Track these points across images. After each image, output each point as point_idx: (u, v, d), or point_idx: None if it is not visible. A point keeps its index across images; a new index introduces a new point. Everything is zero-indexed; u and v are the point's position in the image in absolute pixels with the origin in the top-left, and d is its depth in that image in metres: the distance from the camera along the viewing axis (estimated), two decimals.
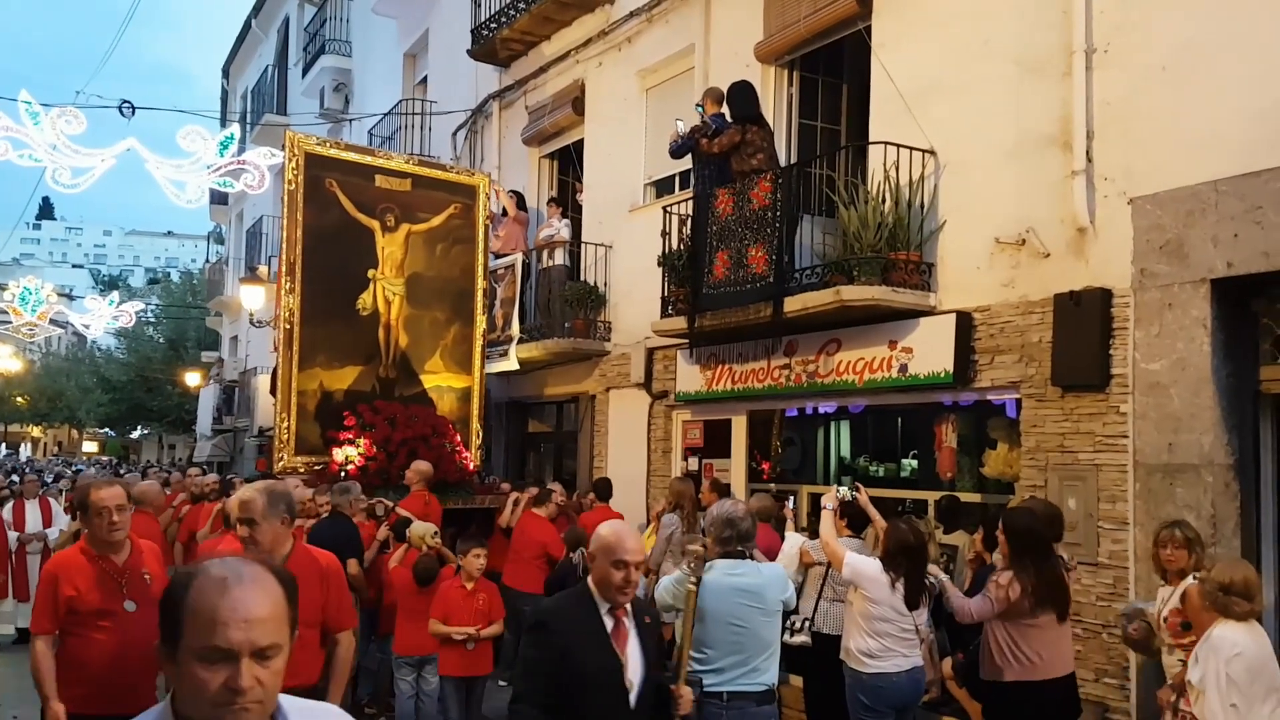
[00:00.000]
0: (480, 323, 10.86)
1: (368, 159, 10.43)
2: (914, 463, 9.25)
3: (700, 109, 9.08)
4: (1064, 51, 6.81)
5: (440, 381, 10.63)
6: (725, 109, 8.94)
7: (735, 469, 9.62)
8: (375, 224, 10.26)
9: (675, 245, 9.27)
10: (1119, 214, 6.46)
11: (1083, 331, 6.53)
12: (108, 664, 4.26)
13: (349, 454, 9.42)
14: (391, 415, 9.71)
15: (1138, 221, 6.35)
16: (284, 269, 9.63)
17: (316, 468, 9.52)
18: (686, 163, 10.23)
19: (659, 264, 9.39)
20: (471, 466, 10.26)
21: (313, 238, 9.79)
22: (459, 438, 10.21)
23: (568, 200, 12.78)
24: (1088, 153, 6.63)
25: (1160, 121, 6.30)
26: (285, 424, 9.69)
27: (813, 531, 7.67)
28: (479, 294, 10.86)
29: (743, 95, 8.82)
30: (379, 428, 9.59)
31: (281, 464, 9.59)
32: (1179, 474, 6.04)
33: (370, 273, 10.21)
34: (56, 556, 4.78)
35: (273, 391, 10.55)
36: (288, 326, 9.66)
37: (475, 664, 6.75)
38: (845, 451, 10.55)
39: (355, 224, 10.10)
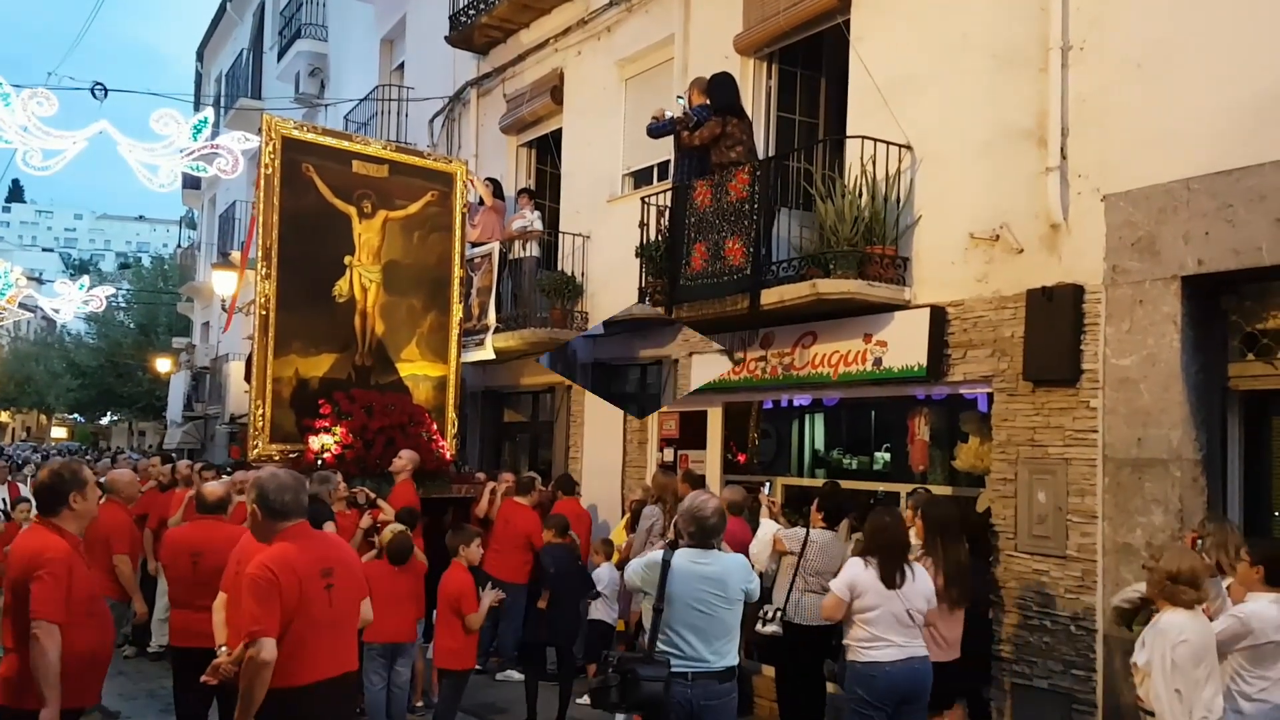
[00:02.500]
0: (456, 311, 10.74)
1: (345, 144, 10.27)
2: (887, 455, 9.31)
3: (683, 100, 9.07)
4: (1040, 46, 6.85)
5: (416, 370, 10.53)
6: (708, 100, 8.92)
7: (710, 461, 9.65)
8: (352, 210, 10.11)
9: (653, 236, 9.27)
10: (1092, 210, 6.52)
11: (1054, 327, 6.58)
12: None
13: (325, 442, 9.30)
14: (369, 403, 9.63)
15: (1110, 218, 6.42)
16: (260, 254, 9.48)
17: (292, 455, 9.36)
18: (665, 153, 10.24)
19: (636, 255, 9.38)
20: (448, 455, 10.20)
21: (289, 223, 9.65)
22: (435, 426, 10.15)
23: (546, 189, 12.75)
24: (1062, 149, 6.69)
25: (1134, 118, 6.35)
26: (260, 411, 9.53)
27: (789, 521, 7.73)
28: (455, 282, 10.75)
29: (724, 87, 8.82)
30: (356, 416, 9.50)
31: (256, 451, 9.46)
32: (1148, 468, 6.12)
33: (347, 259, 10.07)
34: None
35: (247, 378, 10.43)
36: (264, 312, 9.51)
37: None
38: (820, 444, 10.62)
39: (332, 210, 9.98)
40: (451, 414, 10.69)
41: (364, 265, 10.17)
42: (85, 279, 32.30)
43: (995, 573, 6.91)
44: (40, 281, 50.14)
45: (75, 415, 53.24)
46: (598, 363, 12.94)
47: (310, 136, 10.02)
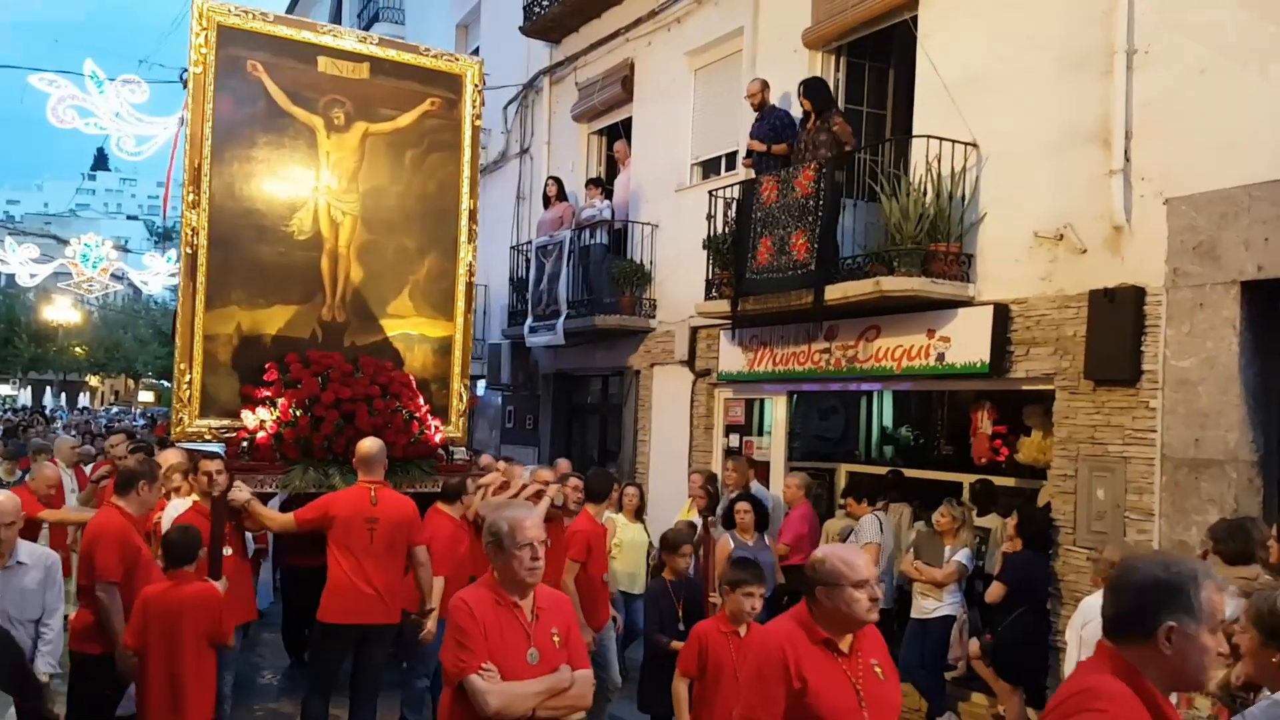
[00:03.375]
0: (466, 254, 8.63)
1: (307, 35, 8.08)
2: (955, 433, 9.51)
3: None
4: (1106, 50, 6.93)
5: (409, 328, 8.41)
6: (802, 101, 9.05)
7: (775, 449, 9.91)
8: (318, 121, 8.04)
9: (720, 229, 9.50)
10: (1154, 213, 6.61)
11: (1116, 327, 6.71)
12: None
13: (262, 418, 7.40)
14: (326, 368, 7.63)
15: (1172, 222, 6.51)
16: (187, 176, 7.62)
17: (226, 435, 7.52)
18: (733, 144, 10.49)
19: (704, 247, 9.63)
20: (439, 438, 8.03)
21: (228, 137, 7.70)
22: (422, 400, 8.01)
23: (613, 178, 13.04)
24: (1126, 152, 6.78)
25: (1196, 124, 6.42)
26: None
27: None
28: (464, 217, 8.61)
29: (822, 89, 9.04)
30: (306, 384, 7.46)
31: (180, 428, 7.56)
32: (1204, 469, 6.25)
33: (314, 186, 8.06)
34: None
35: (171, 336, 8.65)
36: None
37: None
38: (888, 421, 10.85)
39: (289, 121, 7.94)
40: (459, 385, 8.62)
41: (334, 193, 8.11)
42: (172, 253, 33.43)
43: (1055, 566, 7.10)
44: (126, 250, 51.91)
45: (162, 380, 55.07)
46: (559, 373, 13.28)
47: (257, 24, 7.84)
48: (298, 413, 7.32)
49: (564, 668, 3.55)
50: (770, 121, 9.32)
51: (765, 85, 9.49)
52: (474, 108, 8.67)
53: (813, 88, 8.98)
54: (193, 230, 7.62)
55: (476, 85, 8.70)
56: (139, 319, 51.95)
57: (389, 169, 8.33)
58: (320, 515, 6.15)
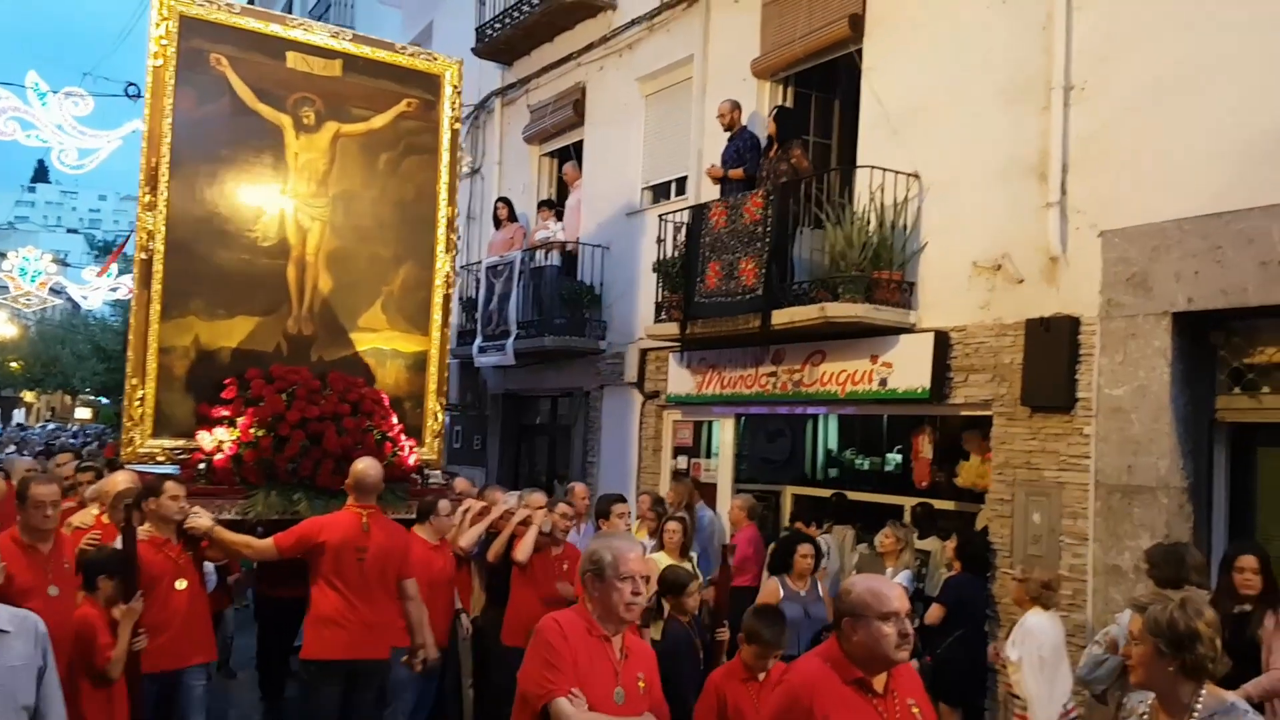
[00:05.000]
0: (443, 264, 8.13)
1: (276, 29, 7.58)
2: (899, 457, 9.67)
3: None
4: (1044, 85, 7.14)
5: (381, 343, 7.87)
6: (770, 126, 9.22)
7: (722, 470, 10.00)
8: (286, 120, 7.53)
9: (670, 252, 9.60)
10: (1089, 246, 6.81)
11: (1051, 355, 6.90)
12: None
13: (220, 438, 6.81)
14: (291, 385, 7.05)
15: (1106, 254, 6.71)
16: (144, 177, 7.07)
17: (180, 456, 6.94)
18: (683, 169, 10.60)
19: (654, 270, 9.73)
20: (413, 460, 7.47)
21: (189, 134, 7.18)
22: (395, 419, 7.46)
23: (563, 200, 13.11)
24: (1062, 185, 6.99)
25: (1130, 159, 6.64)
26: (139, 393, 6.99)
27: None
28: (442, 224, 8.11)
29: (791, 117, 9.21)
30: (269, 401, 6.90)
31: (132, 448, 6.95)
32: (1137, 495, 6.43)
33: (280, 189, 7.52)
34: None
35: (124, 349, 8.06)
36: (144, 256, 7.05)
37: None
38: (834, 444, 11.00)
39: (255, 119, 7.43)
40: (433, 404, 8.09)
41: (303, 197, 7.58)
42: (114, 267, 32.86)
43: (993, 589, 7.24)
44: (65, 264, 50.91)
45: (99, 397, 54.00)
46: (508, 393, 13.31)
47: (222, 15, 7.34)
48: (259, 433, 6.74)
49: (648, 715, 3.38)
50: (736, 145, 9.44)
51: (736, 106, 9.58)
52: (453, 110, 8.23)
53: (784, 116, 9.13)
54: (148, 234, 7.06)
55: (455, 86, 8.25)
56: (77, 334, 50.90)
57: (362, 173, 7.82)
58: (307, 541, 5.61)
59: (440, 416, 8.16)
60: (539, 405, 13.67)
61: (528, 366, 12.37)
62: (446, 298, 8.18)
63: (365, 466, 5.84)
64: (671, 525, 7.05)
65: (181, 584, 5.44)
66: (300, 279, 7.57)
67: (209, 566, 6.21)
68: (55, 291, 31.49)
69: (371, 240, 7.84)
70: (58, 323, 58.29)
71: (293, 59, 7.57)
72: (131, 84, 17.20)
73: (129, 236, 7.53)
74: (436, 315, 8.08)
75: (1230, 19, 6.16)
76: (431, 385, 8.04)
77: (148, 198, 7.04)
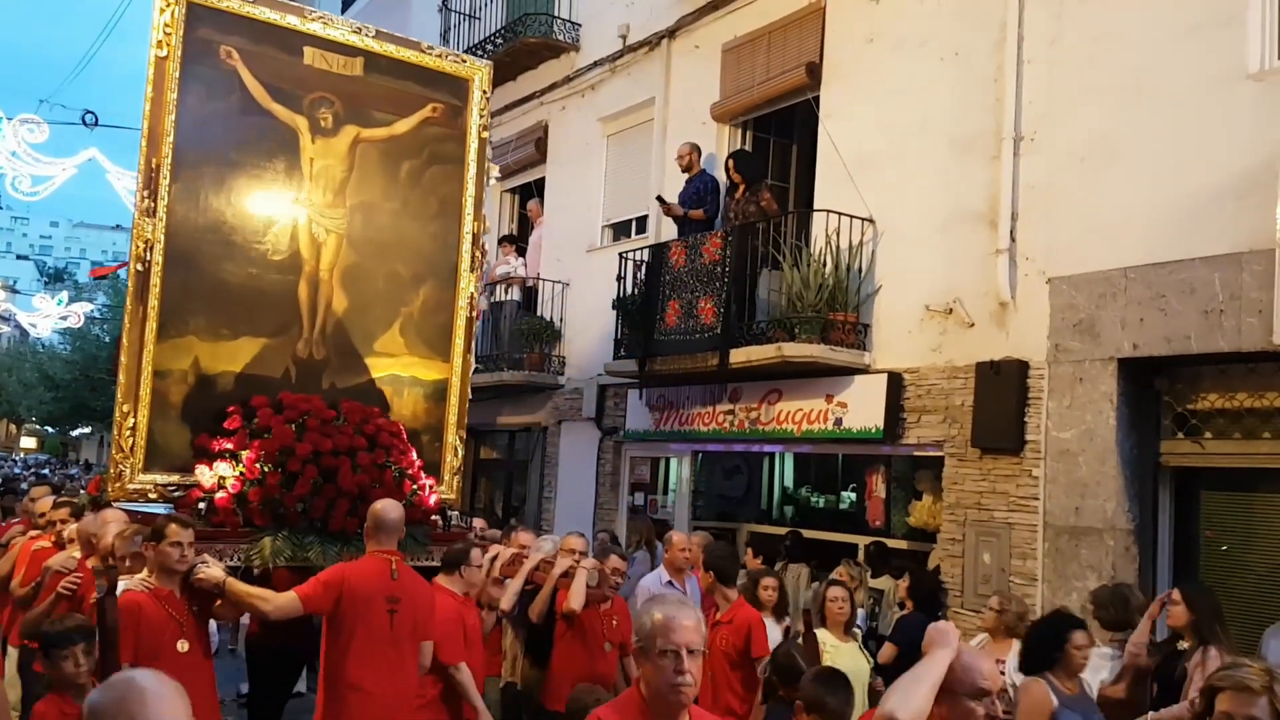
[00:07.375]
0: (467, 284, 7.37)
1: (293, 21, 6.76)
2: (853, 495, 9.77)
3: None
4: (994, 136, 7.36)
5: (399, 369, 7.11)
6: (732, 174, 9.33)
7: (679, 507, 10.05)
8: (301, 121, 6.78)
9: (630, 290, 9.70)
10: (1038, 292, 7.00)
11: (1001, 398, 7.06)
12: None
13: (222, 474, 5.99)
14: (302, 415, 6.25)
15: (1054, 300, 6.90)
16: (141, 180, 6.25)
17: (176, 494, 6.12)
18: (644, 208, 10.72)
19: (613, 307, 9.81)
20: (434, 500, 6.61)
21: (195, 134, 6.39)
22: (415, 455, 6.63)
23: (527, 236, 13.19)
24: (1012, 232, 7.18)
25: (1078, 208, 6.85)
26: (130, 422, 6.13)
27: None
28: (466, 241, 7.35)
29: (751, 160, 9.38)
30: (277, 433, 6.09)
31: (120, 484, 6.10)
32: (1084, 536, 6.57)
33: (294, 197, 6.73)
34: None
35: (112, 371, 7.35)
36: (141, 267, 6.19)
37: None
38: (789, 482, 11.08)
39: (268, 120, 6.67)
40: (453, 438, 7.30)
41: (318, 207, 6.81)
42: (64, 294, 32.42)
43: None
44: (15, 291, 50.09)
45: (45, 427, 52.97)
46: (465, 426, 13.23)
47: (234, 4, 6.53)
48: (266, 468, 5.94)
49: None
50: (695, 186, 9.58)
51: (695, 148, 9.74)
52: (481, 117, 7.45)
53: (743, 160, 9.30)
54: (146, 243, 6.22)
55: (485, 91, 7.50)
56: (25, 362, 49.98)
57: (382, 182, 7.05)
58: (334, 593, 4.80)
59: (460, 451, 7.39)
60: (496, 439, 13.66)
61: (485, 401, 12.36)
62: (469, 321, 7.40)
63: (385, 506, 5.16)
64: (768, 581, 6.25)
65: (183, 646, 4.59)
66: (313, 298, 6.79)
67: (212, 625, 5.56)
68: (3, 318, 31.03)
69: (390, 256, 7.07)
70: (4, 350, 57.26)
71: (310, 55, 6.81)
72: (89, 112, 17.12)
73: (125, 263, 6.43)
74: (459, 340, 7.31)
75: (1168, 87, 6.41)
76: (451, 417, 7.28)
77: (146, 202, 6.23)
